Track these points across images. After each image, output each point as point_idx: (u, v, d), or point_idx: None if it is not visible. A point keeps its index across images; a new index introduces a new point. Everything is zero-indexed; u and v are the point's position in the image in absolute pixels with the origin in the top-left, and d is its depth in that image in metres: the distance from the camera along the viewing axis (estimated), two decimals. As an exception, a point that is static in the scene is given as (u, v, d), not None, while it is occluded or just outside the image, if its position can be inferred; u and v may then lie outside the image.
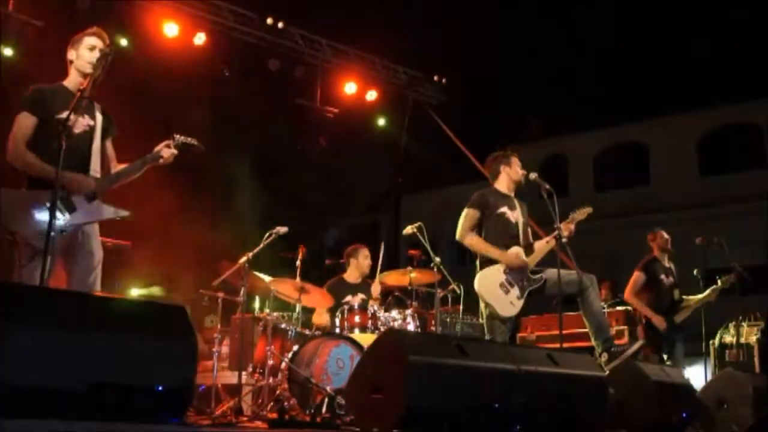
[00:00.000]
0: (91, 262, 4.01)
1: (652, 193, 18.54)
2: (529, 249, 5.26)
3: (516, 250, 5.13)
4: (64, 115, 3.80)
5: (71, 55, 4.13)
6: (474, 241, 5.22)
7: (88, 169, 4.01)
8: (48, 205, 3.60)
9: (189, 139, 4.21)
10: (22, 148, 3.88)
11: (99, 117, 4.17)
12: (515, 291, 5.04)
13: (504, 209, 5.27)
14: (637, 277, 6.85)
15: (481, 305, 5.27)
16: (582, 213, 5.51)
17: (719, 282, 6.77)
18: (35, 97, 3.98)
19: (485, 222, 5.25)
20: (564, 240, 5.12)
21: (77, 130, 3.99)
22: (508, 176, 5.41)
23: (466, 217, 5.27)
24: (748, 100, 17.33)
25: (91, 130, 4.09)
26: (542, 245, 5.21)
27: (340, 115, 10.67)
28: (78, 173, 3.93)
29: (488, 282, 5.10)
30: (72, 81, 4.12)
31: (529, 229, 5.45)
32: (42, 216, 3.68)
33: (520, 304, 5.06)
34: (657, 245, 6.92)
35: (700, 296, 6.78)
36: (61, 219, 3.77)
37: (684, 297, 6.83)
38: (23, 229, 3.71)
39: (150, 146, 4.20)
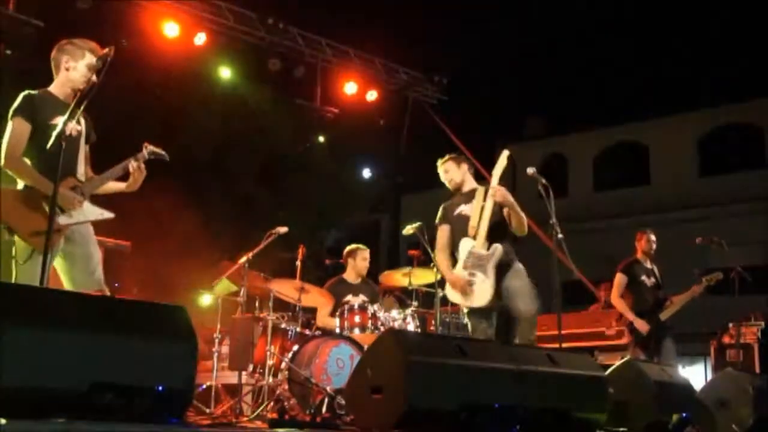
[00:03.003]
0: (90, 264, 4.05)
1: (652, 193, 18.52)
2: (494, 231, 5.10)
3: (462, 245, 5.08)
4: (56, 121, 3.83)
5: (67, 63, 4.08)
6: (437, 261, 5.30)
7: (75, 173, 4.04)
8: (43, 204, 3.67)
9: (158, 149, 4.23)
10: (17, 156, 3.87)
11: (83, 122, 4.17)
12: (479, 275, 4.96)
13: (461, 208, 5.25)
14: (619, 279, 6.87)
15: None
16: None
17: (704, 280, 6.77)
18: (28, 104, 3.97)
19: (451, 229, 5.27)
20: (560, 237, 5.10)
21: (72, 134, 3.99)
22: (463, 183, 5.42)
23: (438, 235, 5.34)
24: (748, 100, 17.32)
25: (79, 135, 4.11)
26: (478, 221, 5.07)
27: (340, 115, 10.67)
28: (69, 191, 3.92)
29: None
30: (61, 90, 4.09)
31: (506, 210, 5.11)
32: (39, 215, 3.73)
33: (489, 284, 4.92)
34: (640, 247, 6.94)
35: (684, 295, 6.79)
36: (59, 219, 3.79)
37: (671, 297, 6.84)
38: (21, 227, 3.73)
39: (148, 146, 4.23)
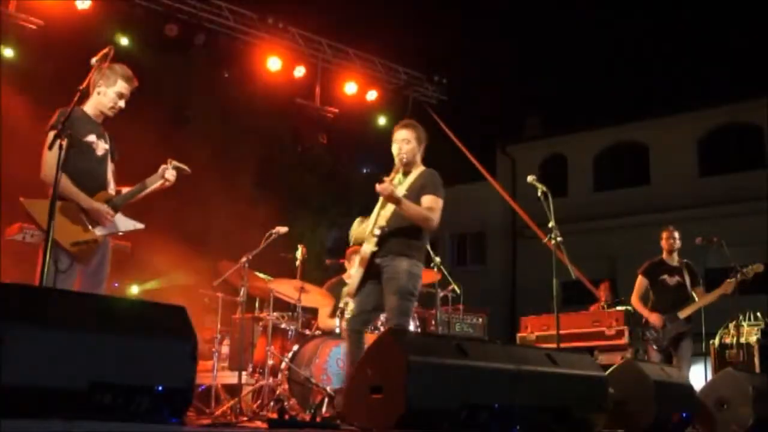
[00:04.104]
0: (102, 275, 4.24)
1: (652, 193, 18.50)
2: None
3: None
4: (89, 138, 4.17)
5: (99, 86, 4.26)
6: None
7: (106, 188, 4.29)
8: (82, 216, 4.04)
9: (181, 164, 4.44)
10: (54, 167, 3.96)
11: (108, 140, 4.40)
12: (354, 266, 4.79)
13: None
14: (638, 281, 6.89)
15: None
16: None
17: (739, 275, 6.59)
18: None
19: None
20: (559, 239, 5.13)
21: (99, 153, 4.27)
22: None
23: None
24: (748, 100, 17.31)
25: (107, 153, 4.34)
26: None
27: (340, 115, 10.67)
28: (102, 205, 4.17)
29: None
30: (92, 110, 4.30)
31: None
32: (79, 226, 4.03)
33: (356, 279, 4.58)
34: (663, 246, 6.93)
35: (713, 293, 6.70)
36: (95, 230, 4.10)
37: (704, 294, 6.74)
38: (63, 237, 3.92)
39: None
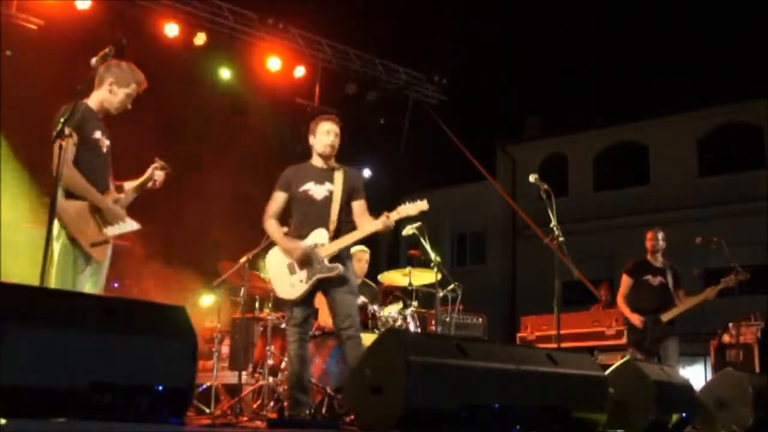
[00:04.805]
0: (104, 274, 4.23)
1: (652, 193, 18.51)
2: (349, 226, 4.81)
3: (313, 235, 4.74)
4: (97, 135, 4.14)
5: (111, 85, 4.24)
6: (269, 227, 4.90)
7: (109, 184, 4.27)
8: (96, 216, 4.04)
9: (165, 164, 4.43)
10: (69, 167, 3.96)
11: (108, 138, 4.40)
12: (301, 274, 4.66)
13: (308, 185, 4.79)
14: (623, 280, 6.88)
15: None
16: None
17: (722, 281, 6.62)
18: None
19: (292, 202, 4.90)
20: (561, 240, 5.14)
21: (104, 149, 4.25)
22: (314, 148, 4.92)
23: (272, 199, 4.92)
24: (748, 100, 17.30)
25: (109, 149, 4.32)
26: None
27: (339, 115, 10.68)
28: (116, 205, 4.18)
29: (276, 259, 4.83)
30: (96, 105, 4.27)
31: (361, 204, 4.84)
32: (95, 226, 4.03)
33: (302, 288, 4.62)
34: (646, 247, 6.92)
35: (696, 297, 6.71)
36: (107, 230, 4.10)
37: (686, 297, 6.76)
38: (82, 238, 3.93)
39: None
